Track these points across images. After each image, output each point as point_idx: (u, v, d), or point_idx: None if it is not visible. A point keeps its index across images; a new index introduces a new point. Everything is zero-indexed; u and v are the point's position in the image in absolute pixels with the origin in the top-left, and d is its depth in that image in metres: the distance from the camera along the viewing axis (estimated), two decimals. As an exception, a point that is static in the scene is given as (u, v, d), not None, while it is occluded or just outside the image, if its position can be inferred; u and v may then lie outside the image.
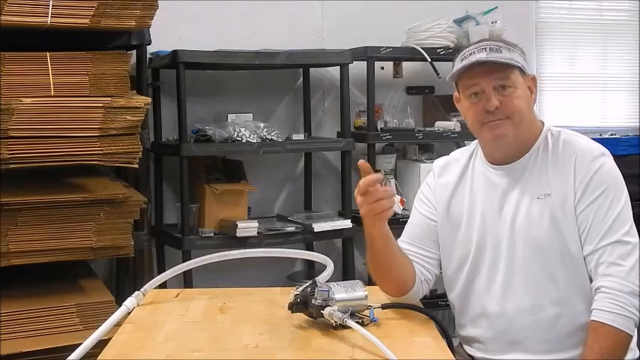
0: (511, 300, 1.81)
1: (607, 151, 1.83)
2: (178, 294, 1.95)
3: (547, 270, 1.78)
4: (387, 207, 1.66)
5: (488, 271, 1.85)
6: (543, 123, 1.90)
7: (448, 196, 1.93)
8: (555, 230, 1.77)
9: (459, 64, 1.82)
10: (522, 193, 1.82)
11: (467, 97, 1.84)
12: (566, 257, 1.77)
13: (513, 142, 1.83)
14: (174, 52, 3.11)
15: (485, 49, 1.78)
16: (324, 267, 1.93)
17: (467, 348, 1.95)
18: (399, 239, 1.94)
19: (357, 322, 1.57)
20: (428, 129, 3.65)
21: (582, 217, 1.76)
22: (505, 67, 1.78)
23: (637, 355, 1.85)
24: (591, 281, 1.76)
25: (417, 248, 1.93)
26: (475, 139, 1.97)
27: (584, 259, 1.76)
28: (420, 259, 1.92)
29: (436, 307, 3.27)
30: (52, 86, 2.48)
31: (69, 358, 1.52)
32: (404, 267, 1.85)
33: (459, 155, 2.00)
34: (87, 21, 2.51)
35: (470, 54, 1.80)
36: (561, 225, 1.77)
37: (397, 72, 3.75)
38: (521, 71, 1.81)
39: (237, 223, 3.15)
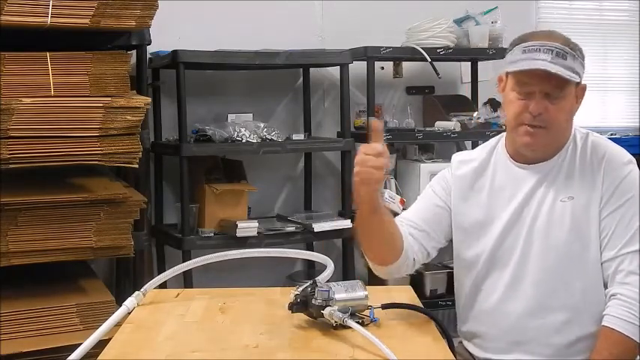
0: (519, 300, 1.80)
1: (633, 159, 1.83)
2: (178, 294, 1.95)
3: (562, 274, 1.77)
4: (374, 176, 1.61)
5: (501, 269, 1.84)
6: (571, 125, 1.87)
7: (465, 191, 1.91)
8: (575, 235, 1.76)
9: (519, 53, 1.75)
10: (546, 194, 1.81)
11: (514, 90, 1.78)
12: (584, 263, 1.76)
13: (542, 150, 1.82)
14: (174, 52, 3.11)
15: (552, 51, 1.71)
16: (324, 267, 1.92)
17: (467, 345, 1.94)
18: (403, 215, 1.93)
19: (358, 322, 1.57)
20: (428, 129, 3.65)
21: (606, 222, 1.76)
22: (563, 78, 1.73)
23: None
24: (605, 287, 1.76)
25: (423, 223, 1.90)
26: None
27: (602, 264, 1.75)
28: (421, 236, 1.88)
29: (436, 307, 3.27)
30: (52, 86, 2.48)
31: (69, 358, 1.52)
32: (389, 241, 1.80)
33: (477, 153, 1.97)
34: (87, 21, 2.51)
35: (535, 49, 1.73)
36: (582, 229, 1.76)
37: (397, 72, 3.75)
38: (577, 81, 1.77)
39: (237, 223, 3.15)
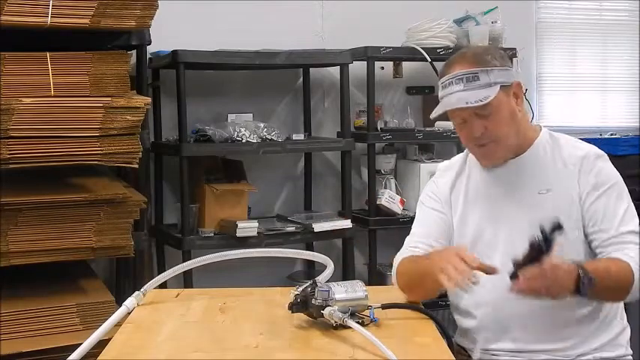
0: (504, 289, 1.81)
1: (605, 154, 1.90)
2: (178, 294, 1.95)
3: None
4: (451, 277, 1.62)
5: (487, 260, 1.84)
6: (541, 127, 1.96)
7: (447, 195, 1.98)
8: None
9: (440, 90, 1.86)
10: (524, 188, 1.87)
11: (454, 123, 1.90)
12: (566, 249, 1.77)
13: (505, 153, 1.89)
14: (174, 52, 3.11)
15: (462, 79, 1.81)
16: (324, 267, 1.93)
17: (458, 338, 1.97)
18: (415, 239, 1.96)
19: (357, 322, 1.57)
20: (428, 129, 3.65)
21: (593, 209, 1.82)
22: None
23: (630, 352, 1.89)
24: None
25: (435, 239, 1.95)
26: None
27: (604, 242, 1.80)
28: None
29: (436, 307, 3.27)
30: (52, 86, 2.48)
31: (69, 358, 1.52)
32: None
33: (456, 159, 2.06)
34: (87, 21, 2.51)
35: (448, 83, 1.82)
36: (563, 217, 1.78)
37: (397, 72, 3.75)
38: (503, 85, 1.82)
39: (237, 223, 3.15)
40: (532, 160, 1.89)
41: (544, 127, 1.97)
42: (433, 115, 1.87)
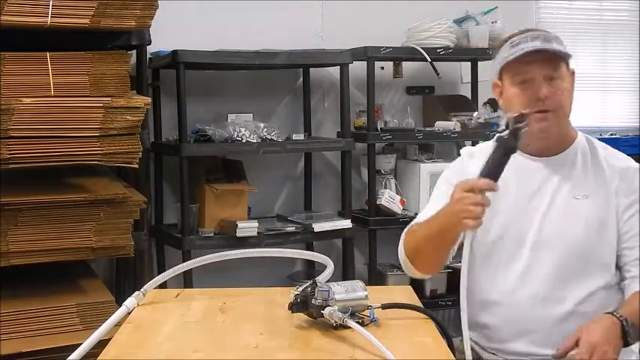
0: (528, 289, 1.82)
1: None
2: (178, 294, 1.95)
3: (573, 269, 1.80)
4: (472, 214, 1.63)
5: (510, 258, 1.85)
6: (577, 130, 1.93)
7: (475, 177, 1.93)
8: (590, 233, 1.80)
9: (508, 50, 1.80)
10: (559, 189, 1.84)
11: (514, 84, 1.82)
12: (597, 259, 1.80)
13: (556, 136, 1.85)
14: (174, 52, 3.11)
15: (539, 37, 1.78)
16: (324, 267, 1.92)
17: (472, 334, 1.94)
18: (432, 207, 1.91)
19: (357, 322, 1.57)
20: (428, 129, 3.65)
21: (628, 225, 1.80)
22: (556, 59, 1.79)
23: (638, 358, 1.87)
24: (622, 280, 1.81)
25: None
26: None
27: (634, 261, 1.79)
28: None
29: (436, 307, 3.27)
30: (52, 86, 2.48)
31: (69, 358, 1.52)
32: (447, 256, 1.86)
33: (486, 146, 1.98)
34: (87, 21, 2.51)
35: (523, 41, 1.78)
36: (598, 229, 1.80)
37: (397, 72, 3.75)
38: (567, 64, 1.82)
39: (237, 223, 3.16)
40: (569, 161, 1.86)
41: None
42: (508, 58, 1.79)
